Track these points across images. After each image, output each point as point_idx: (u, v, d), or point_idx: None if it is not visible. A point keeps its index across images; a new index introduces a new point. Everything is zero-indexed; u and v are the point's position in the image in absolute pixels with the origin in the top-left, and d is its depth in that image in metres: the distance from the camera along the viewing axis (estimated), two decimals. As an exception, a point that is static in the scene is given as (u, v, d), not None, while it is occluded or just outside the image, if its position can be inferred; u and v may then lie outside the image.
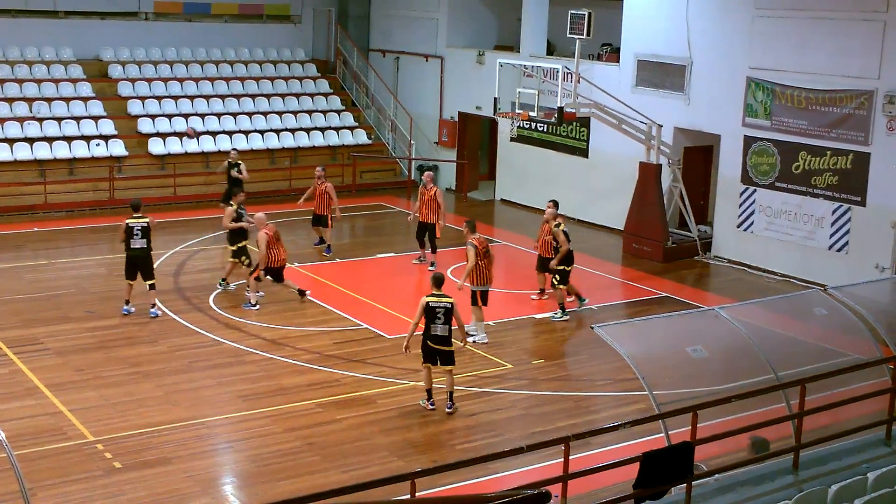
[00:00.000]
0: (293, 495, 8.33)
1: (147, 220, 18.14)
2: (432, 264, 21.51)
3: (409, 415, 14.65)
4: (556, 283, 19.03)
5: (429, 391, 14.81)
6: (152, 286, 18.36)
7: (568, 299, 19.34)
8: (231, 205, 20.06)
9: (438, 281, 14.78)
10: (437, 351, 14.57)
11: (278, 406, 14.78)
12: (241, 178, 24.13)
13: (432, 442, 13.86)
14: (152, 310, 18.30)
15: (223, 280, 20.01)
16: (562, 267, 18.91)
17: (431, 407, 14.74)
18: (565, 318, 18.94)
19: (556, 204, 19.56)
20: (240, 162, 24.49)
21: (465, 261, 17.72)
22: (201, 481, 12.59)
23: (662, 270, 22.68)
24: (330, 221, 22.64)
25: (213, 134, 29.33)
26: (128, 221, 18.11)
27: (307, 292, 19.52)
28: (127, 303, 18.31)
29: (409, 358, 16.53)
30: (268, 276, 19.05)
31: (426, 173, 22.38)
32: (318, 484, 12.10)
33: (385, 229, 26.17)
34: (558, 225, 18.95)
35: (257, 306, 18.89)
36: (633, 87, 25.14)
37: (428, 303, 14.49)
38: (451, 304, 14.56)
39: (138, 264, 18.19)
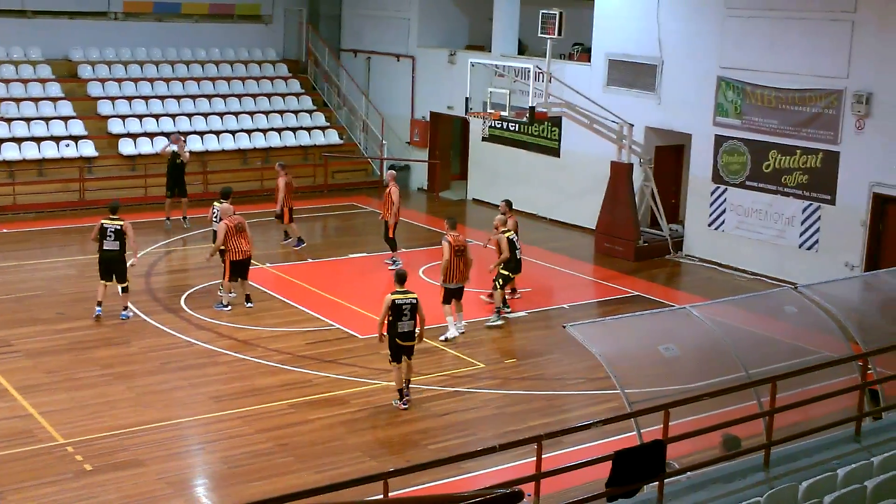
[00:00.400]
0: (266, 496, 8.28)
1: (122, 223, 17.89)
2: (395, 262, 21.60)
3: (382, 415, 14.63)
4: (497, 285, 18.66)
5: (401, 391, 14.82)
6: (125, 289, 18.16)
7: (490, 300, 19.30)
8: (221, 201, 19.80)
9: (402, 278, 14.89)
10: (405, 348, 14.68)
11: (251, 407, 14.73)
12: (184, 159, 24.79)
13: (405, 442, 13.85)
14: (123, 312, 18.15)
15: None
16: (506, 273, 18.56)
17: (404, 406, 14.74)
18: (500, 322, 18.61)
19: (508, 204, 19.50)
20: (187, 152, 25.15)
21: (441, 258, 17.76)
22: (173, 483, 12.53)
23: (634, 269, 22.75)
24: (286, 216, 22.73)
25: (184, 134, 29.15)
26: (102, 222, 17.94)
27: (252, 304, 19.15)
28: (99, 304, 18.10)
29: (381, 358, 16.52)
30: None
31: (388, 172, 22.55)
32: (291, 485, 12.06)
33: (357, 229, 26.11)
34: (505, 232, 18.56)
35: (229, 307, 18.83)
36: (605, 86, 25.21)
37: (394, 300, 14.55)
38: (416, 300, 14.69)
39: (111, 266, 17.97)
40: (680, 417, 10.12)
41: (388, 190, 21.80)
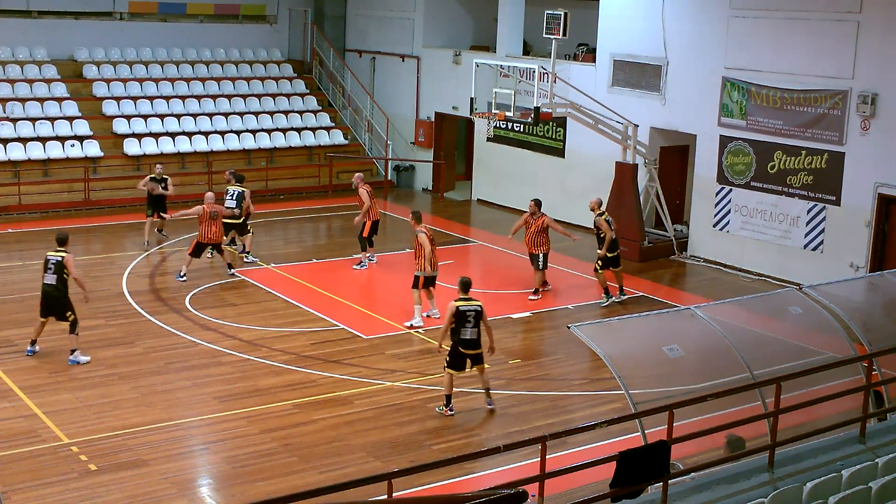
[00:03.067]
0: (270, 496, 8.30)
1: (65, 255, 16.14)
2: (360, 263, 21.81)
3: (386, 415, 14.63)
4: (598, 268, 19.89)
5: (448, 397, 14.69)
6: (72, 328, 16.19)
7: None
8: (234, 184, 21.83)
9: (466, 285, 14.73)
10: (467, 355, 14.51)
11: (255, 407, 14.74)
12: (166, 193, 23.14)
13: (409, 442, 13.84)
14: (71, 357, 16.12)
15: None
16: (602, 252, 19.73)
17: (450, 413, 14.61)
18: (613, 300, 19.90)
19: (538, 203, 20.35)
20: (166, 177, 23.25)
21: (416, 250, 18.18)
22: (177, 483, 12.54)
23: (639, 270, 22.72)
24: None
25: (190, 135, 29.22)
26: (47, 253, 16.45)
27: (234, 272, 20.61)
28: (32, 343, 16.42)
29: (385, 358, 16.60)
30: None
31: (356, 175, 22.62)
32: (295, 485, 12.08)
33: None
34: (601, 215, 19.76)
35: (185, 278, 20.31)
36: (610, 87, 25.20)
37: (458, 307, 14.40)
38: (481, 307, 14.57)
39: (49, 302, 16.20)
40: (684, 418, 10.10)
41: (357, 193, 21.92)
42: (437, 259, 18.55)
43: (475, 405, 15.11)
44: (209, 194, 20.72)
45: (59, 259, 16.13)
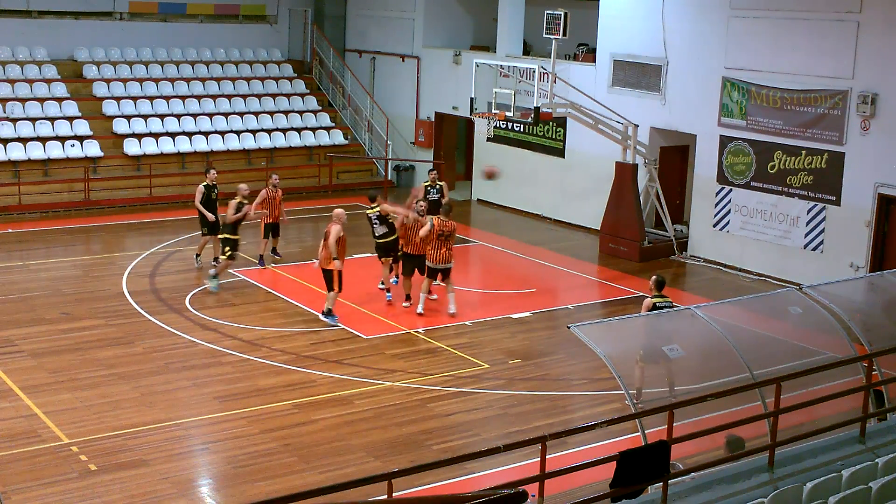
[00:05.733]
0: (270, 497, 8.29)
1: (379, 209, 19.21)
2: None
3: (386, 415, 14.63)
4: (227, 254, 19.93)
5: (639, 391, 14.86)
6: (395, 261, 19.79)
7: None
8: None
9: (661, 284, 15.21)
10: None
11: (255, 407, 14.74)
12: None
13: (409, 442, 13.84)
14: (381, 284, 19.93)
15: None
16: (225, 235, 19.92)
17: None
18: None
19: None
20: (215, 184, 21.20)
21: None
22: (177, 483, 12.54)
23: (639, 270, 22.72)
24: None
25: (189, 135, 29.21)
26: (367, 212, 19.60)
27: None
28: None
29: (385, 358, 16.59)
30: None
31: (419, 200, 19.81)
32: (295, 485, 12.07)
33: (362, 230, 26.00)
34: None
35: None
36: (610, 87, 25.19)
37: (655, 303, 14.73)
38: (672, 303, 15.11)
39: (384, 248, 19.58)
40: (684, 418, 10.11)
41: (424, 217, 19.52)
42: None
43: (475, 405, 15.11)
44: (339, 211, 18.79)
45: (379, 212, 19.22)
